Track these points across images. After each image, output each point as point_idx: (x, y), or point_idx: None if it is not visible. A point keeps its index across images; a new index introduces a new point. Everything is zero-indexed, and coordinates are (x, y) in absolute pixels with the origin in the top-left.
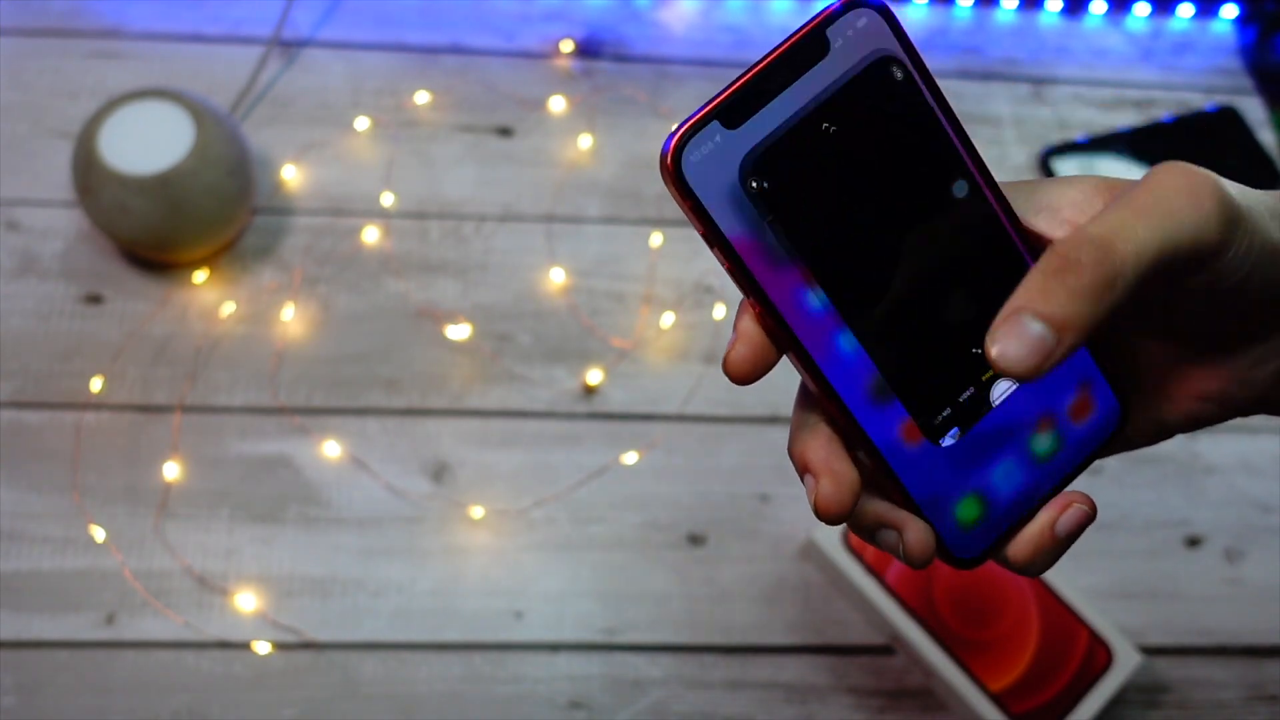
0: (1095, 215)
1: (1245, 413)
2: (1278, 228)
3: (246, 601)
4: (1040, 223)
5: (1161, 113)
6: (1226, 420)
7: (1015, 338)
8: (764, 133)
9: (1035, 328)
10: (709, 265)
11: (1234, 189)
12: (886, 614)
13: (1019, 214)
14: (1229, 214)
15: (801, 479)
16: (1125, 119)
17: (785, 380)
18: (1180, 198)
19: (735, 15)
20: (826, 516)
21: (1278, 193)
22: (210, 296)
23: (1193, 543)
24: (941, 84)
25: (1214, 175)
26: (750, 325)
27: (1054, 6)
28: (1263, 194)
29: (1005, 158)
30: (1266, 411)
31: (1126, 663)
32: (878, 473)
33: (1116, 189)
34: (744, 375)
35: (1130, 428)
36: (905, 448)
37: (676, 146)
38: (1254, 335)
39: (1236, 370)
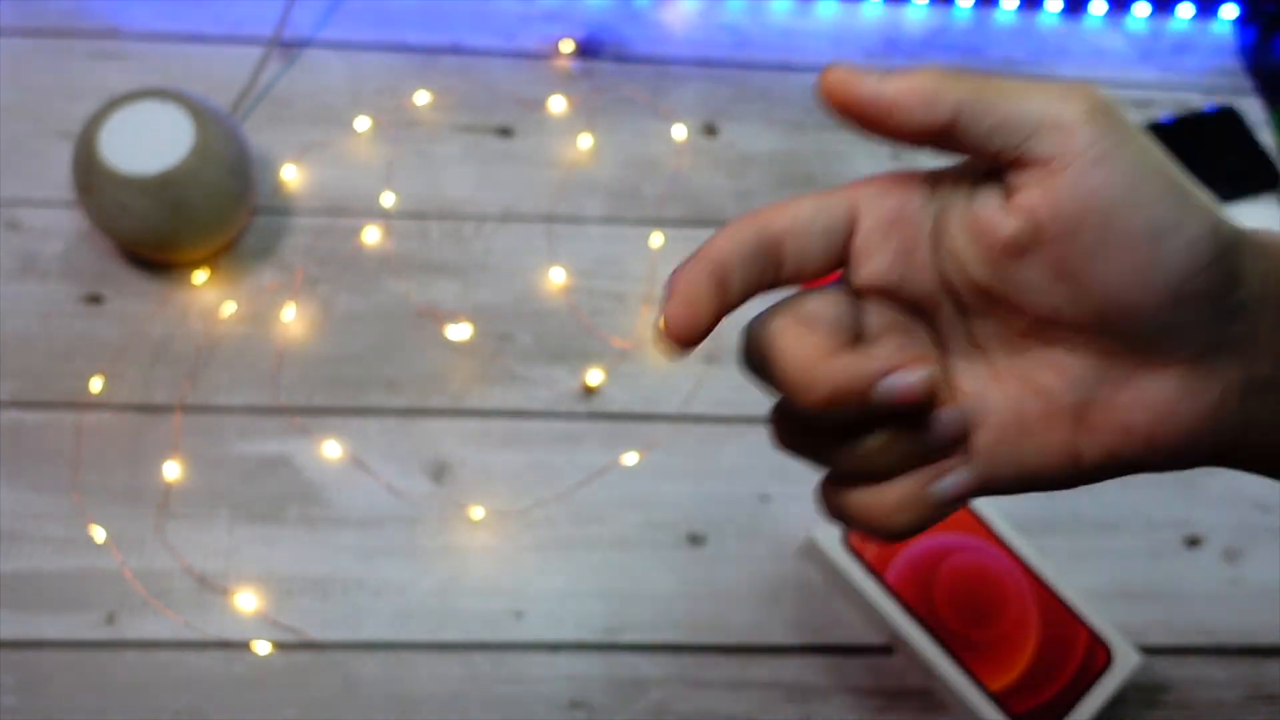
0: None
1: (1193, 457)
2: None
3: (246, 601)
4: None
5: (1161, 113)
6: (1163, 468)
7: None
8: None
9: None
10: None
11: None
12: (886, 614)
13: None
14: (1099, 107)
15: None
16: None
17: None
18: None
19: (735, 15)
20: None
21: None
22: (210, 296)
23: (1193, 543)
24: None
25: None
26: (692, 280)
27: (1054, 7)
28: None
29: None
30: (1227, 463)
31: (1126, 663)
32: None
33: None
34: (690, 332)
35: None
36: None
37: None
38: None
39: (1179, 380)
